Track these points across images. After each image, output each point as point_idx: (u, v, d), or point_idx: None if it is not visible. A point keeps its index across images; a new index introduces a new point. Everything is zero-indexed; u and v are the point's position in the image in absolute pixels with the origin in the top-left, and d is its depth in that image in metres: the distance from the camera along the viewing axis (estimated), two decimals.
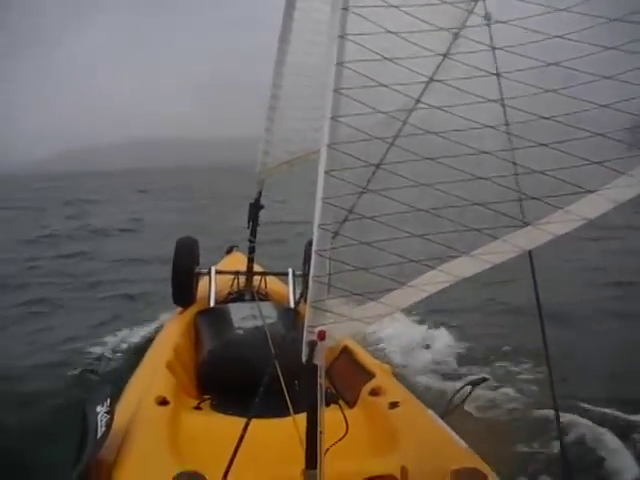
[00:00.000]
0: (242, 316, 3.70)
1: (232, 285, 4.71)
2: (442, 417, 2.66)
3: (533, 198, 1.81)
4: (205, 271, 4.63)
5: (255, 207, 4.71)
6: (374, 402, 2.56)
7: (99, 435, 2.35)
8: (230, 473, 1.76)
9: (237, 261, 5.59)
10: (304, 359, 1.77)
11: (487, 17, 1.95)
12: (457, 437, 2.48)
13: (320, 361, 1.74)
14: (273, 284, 4.88)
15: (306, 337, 1.74)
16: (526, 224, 1.80)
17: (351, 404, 2.94)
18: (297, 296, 4.52)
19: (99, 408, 2.56)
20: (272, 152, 4.42)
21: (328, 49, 1.76)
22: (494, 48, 1.89)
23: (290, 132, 4.33)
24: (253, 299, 4.38)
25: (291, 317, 3.95)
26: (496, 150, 1.83)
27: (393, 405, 2.70)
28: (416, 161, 1.78)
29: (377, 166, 1.77)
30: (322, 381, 1.76)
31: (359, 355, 3.49)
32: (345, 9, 1.72)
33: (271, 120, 4.34)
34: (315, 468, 1.81)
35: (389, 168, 1.76)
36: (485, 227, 1.79)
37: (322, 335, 1.70)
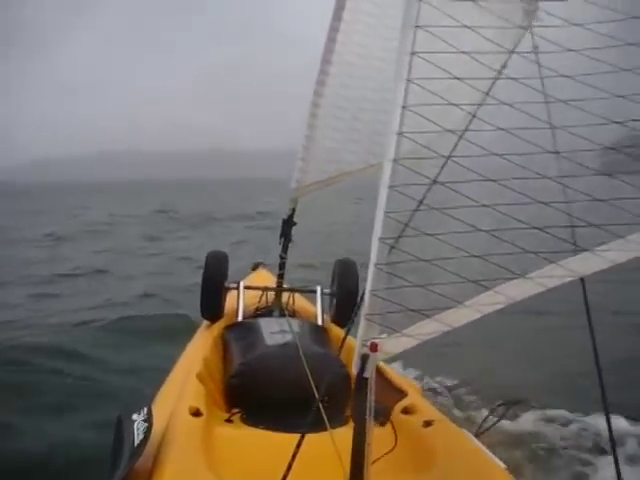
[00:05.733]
0: (272, 331, 3.70)
1: (260, 301, 4.72)
2: (476, 436, 2.63)
3: (591, 225, 1.81)
4: (234, 286, 4.63)
5: (288, 224, 4.72)
6: (408, 420, 2.53)
7: (136, 443, 2.32)
8: None
9: (263, 278, 5.59)
10: (354, 371, 1.77)
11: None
12: (494, 457, 2.45)
13: (370, 374, 1.74)
14: (300, 302, 4.88)
15: (359, 350, 1.74)
16: (583, 250, 1.80)
17: (382, 422, 2.92)
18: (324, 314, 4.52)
19: (135, 416, 2.52)
20: (309, 170, 4.43)
21: (397, 66, 1.77)
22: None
23: (326, 152, 4.36)
24: (282, 315, 4.37)
25: (320, 334, 3.95)
26: (556, 176, 1.84)
27: (427, 424, 2.67)
28: (476, 181, 1.79)
29: (437, 182, 1.78)
30: (372, 395, 1.75)
31: (389, 373, 3.46)
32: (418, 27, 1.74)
33: (310, 139, 4.37)
34: None
35: (450, 186, 1.77)
36: (542, 250, 1.79)
37: (374, 347, 1.69)
